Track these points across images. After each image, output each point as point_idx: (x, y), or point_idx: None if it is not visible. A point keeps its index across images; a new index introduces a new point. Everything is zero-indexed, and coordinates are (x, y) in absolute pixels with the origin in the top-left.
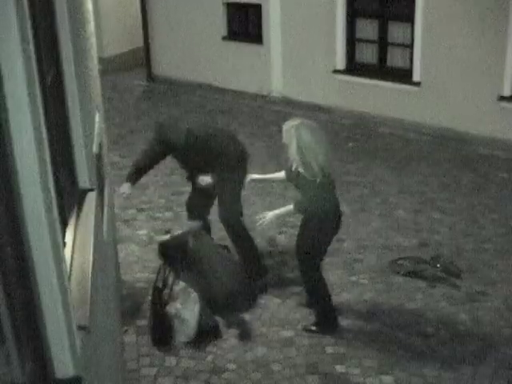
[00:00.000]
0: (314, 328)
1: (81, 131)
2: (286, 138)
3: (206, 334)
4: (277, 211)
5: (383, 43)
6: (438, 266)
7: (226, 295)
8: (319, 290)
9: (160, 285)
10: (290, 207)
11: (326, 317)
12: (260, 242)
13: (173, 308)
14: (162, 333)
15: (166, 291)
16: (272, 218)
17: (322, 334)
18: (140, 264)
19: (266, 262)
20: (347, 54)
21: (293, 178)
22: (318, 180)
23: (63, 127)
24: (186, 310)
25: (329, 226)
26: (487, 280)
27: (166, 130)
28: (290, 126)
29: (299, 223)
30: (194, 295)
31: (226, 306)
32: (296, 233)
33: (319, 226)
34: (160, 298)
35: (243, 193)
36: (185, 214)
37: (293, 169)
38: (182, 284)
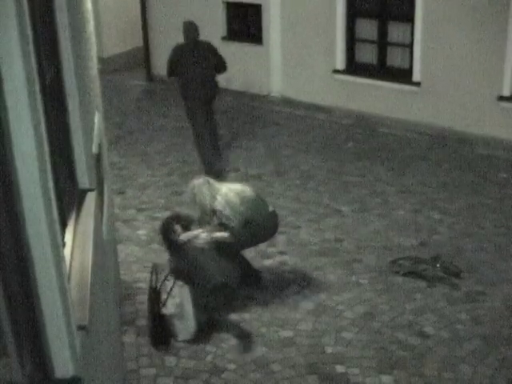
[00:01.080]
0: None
1: (80, 131)
2: (188, 196)
3: (204, 329)
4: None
5: (383, 43)
6: (438, 266)
7: (217, 279)
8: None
9: (156, 285)
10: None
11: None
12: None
13: (171, 307)
14: (161, 333)
15: (164, 291)
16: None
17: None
18: (140, 264)
19: (266, 263)
20: (347, 54)
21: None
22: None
23: (63, 127)
24: (184, 308)
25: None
26: (487, 280)
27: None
28: (192, 187)
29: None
30: (188, 292)
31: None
32: (296, 232)
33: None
34: (157, 297)
35: None
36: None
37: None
38: (176, 281)
